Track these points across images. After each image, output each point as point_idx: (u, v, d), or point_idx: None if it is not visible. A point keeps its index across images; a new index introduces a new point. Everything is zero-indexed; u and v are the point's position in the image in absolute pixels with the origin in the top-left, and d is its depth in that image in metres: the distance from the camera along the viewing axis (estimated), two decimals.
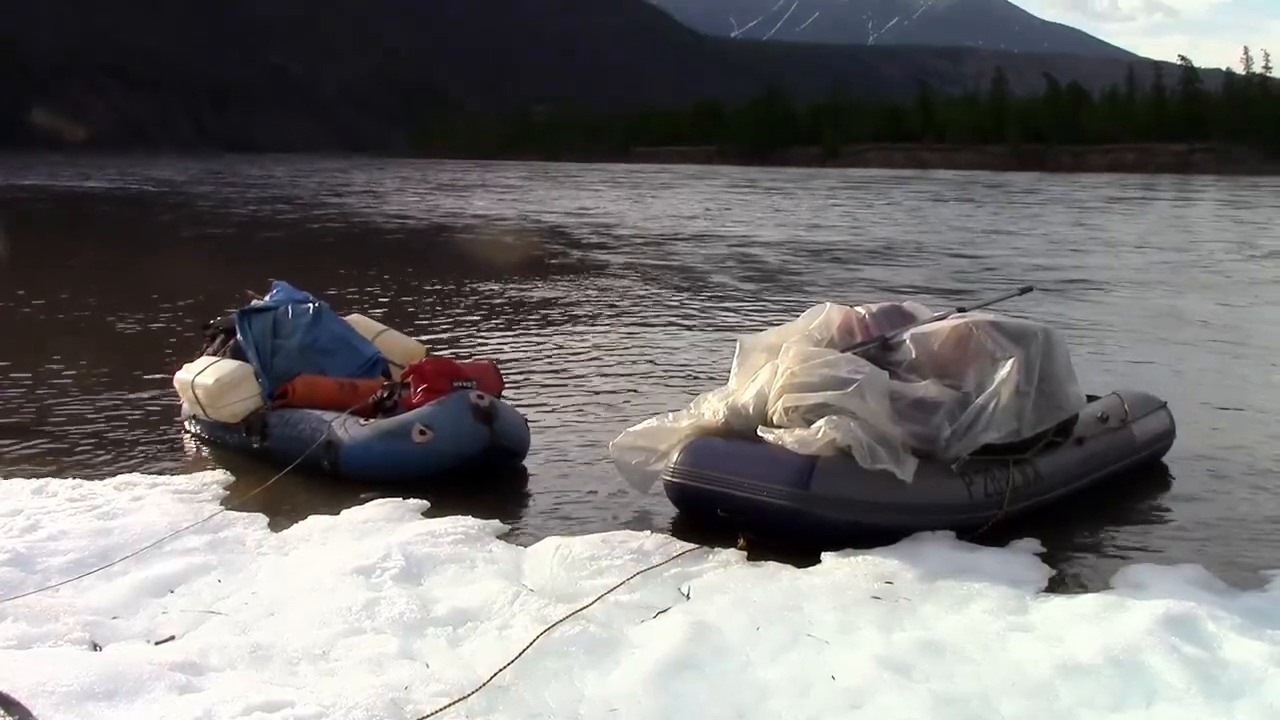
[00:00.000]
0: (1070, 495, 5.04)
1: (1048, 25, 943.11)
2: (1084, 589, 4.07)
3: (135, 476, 5.32)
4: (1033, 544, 4.45)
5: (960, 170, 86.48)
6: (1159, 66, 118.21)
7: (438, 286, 13.77)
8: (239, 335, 6.24)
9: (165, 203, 38.54)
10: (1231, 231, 24.81)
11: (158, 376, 7.78)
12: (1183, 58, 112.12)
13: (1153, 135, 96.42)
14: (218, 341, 6.42)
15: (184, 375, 6.17)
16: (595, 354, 9.21)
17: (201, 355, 6.39)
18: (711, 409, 4.82)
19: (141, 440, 6.26)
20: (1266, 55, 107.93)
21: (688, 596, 3.81)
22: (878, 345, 4.90)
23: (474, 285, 13.87)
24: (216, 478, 5.35)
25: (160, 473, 5.51)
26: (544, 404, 7.22)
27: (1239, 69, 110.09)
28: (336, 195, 42.59)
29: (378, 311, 9.33)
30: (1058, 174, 79.50)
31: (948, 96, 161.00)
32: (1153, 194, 45.59)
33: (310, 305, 6.45)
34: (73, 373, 8.03)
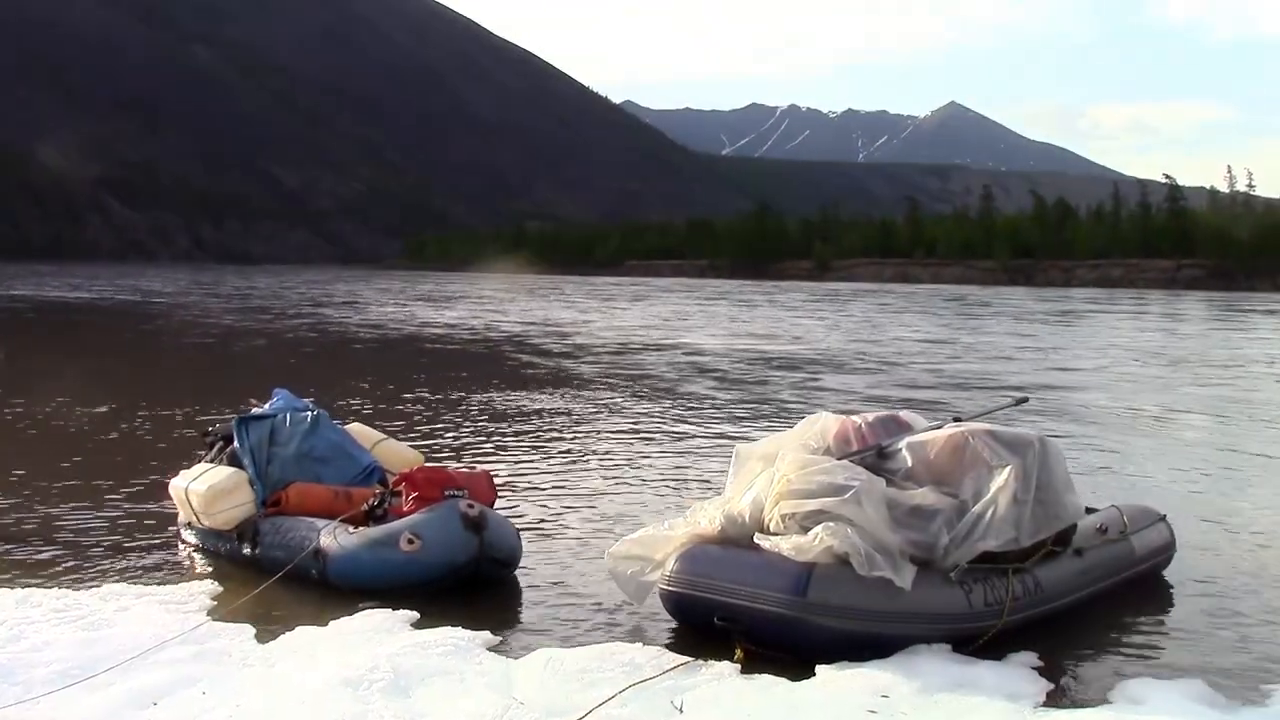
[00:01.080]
0: (1070, 607, 4.98)
1: (1034, 144, 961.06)
2: (1083, 703, 4.02)
3: (121, 586, 5.25)
4: (1030, 657, 4.40)
5: (948, 285, 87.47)
6: (1144, 184, 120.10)
7: (410, 395, 13.73)
8: (236, 442, 6.24)
9: (147, 312, 38.91)
10: (1219, 345, 25.03)
11: (141, 485, 7.78)
12: (1167, 175, 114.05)
13: (1140, 251, 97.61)
14: (216, 448, 6.43)
15: (179, 482, 6.16)
16: (583, 462, 9.20)
17: (201, 462, 6.39)
18: (708, 517, 4.80)
19: (128, 549, 6.19)
20: (1249, 174, 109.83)
21: (680, 710, 3.74)
22: (874, 453, 4.90)
23: (449, 393, 13.92)
24: (204, 587, 5.29)
25: (147, 582, 5.45)
26: (536, 513, 7.18)
27: (1223, 187, 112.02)
28: (316, 305, 43.14)
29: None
30: (1047, 289, 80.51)
31: (937, 213, 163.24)
32: (1141, 308, 46.05)
33: (308, 413, 6.46)
34: (58, 481, 7.97)
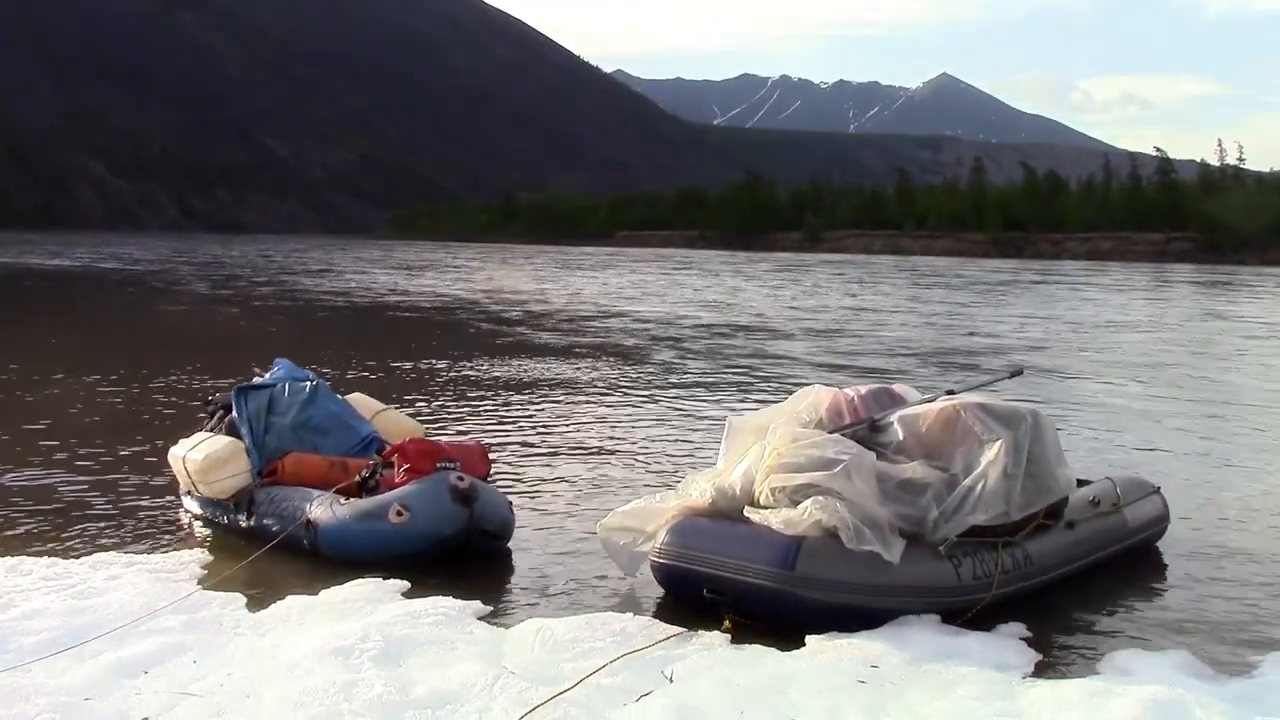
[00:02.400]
0: (1061, 579, 5.01)
1: (1025, 116, 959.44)
2: (1070, 674, 4.04)
3: (112, 555, 5.24)
4: (1019, 628, 4.42)
5: (938, 257, 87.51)
6: (1135, 157, 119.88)
7: (376, 363, 13.72)
8: (235, 411, 6.25)
9: (116, 280, 38.96)
10: (1210, 318, 25.08)
11: (127, 453, 7.78)
12: (1158, 149, 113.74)
13: (1130, 224, 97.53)
14: (216, 418, 6.43)
15: (177, 450, 6.17)
16: (568, 432, 9.22)
17: (202, 430, 6.40)
18: (699, 489, 4.81)
19: (117, 518, 6.18)
20: (1240, 147, 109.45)
21: (671, 680, 3.75)
22: (865, 427, 4.90)
23: (418, 362, 13.93)
24: (195, 556, 5.29)
25: (138, 551, 5.44)
26: (528, 484, 7.18)
27: (1213, 160, 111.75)
28: (290, 274, 43.35)
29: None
30: (1036, 260, 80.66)
31: (928, 184, 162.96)
32: (1127, 281, 46.07)
33: (307, 383, 6.46)
34: (44, 449, 7.95)
